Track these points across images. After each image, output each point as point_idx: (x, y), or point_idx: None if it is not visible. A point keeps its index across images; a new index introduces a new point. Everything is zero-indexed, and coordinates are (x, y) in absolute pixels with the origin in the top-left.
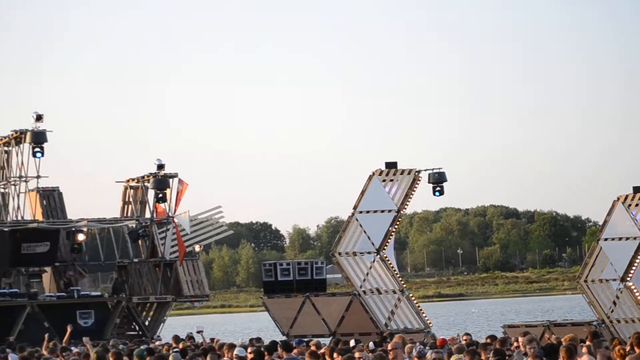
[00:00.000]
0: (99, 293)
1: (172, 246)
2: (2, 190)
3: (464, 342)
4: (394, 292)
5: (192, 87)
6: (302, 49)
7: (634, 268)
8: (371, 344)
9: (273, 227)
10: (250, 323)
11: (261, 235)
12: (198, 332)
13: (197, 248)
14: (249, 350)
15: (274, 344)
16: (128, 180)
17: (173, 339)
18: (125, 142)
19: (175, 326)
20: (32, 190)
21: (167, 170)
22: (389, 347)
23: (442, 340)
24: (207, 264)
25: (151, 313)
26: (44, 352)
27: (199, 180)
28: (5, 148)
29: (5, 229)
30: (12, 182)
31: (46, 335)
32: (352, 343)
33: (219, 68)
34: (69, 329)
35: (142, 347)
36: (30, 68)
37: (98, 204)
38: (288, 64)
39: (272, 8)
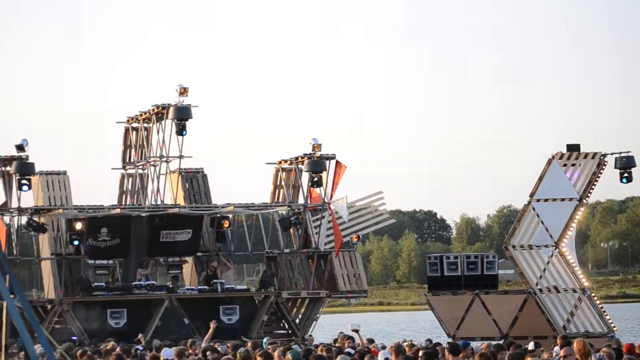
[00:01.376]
0: (244, 287)
1: (328, 236)
2: (141, 171)
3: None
4: (574, 291)
5: (342, 63)
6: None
7: None
8: (557, 349)
9: (438, 216)
10: (411, 323)
11: (425, 224)
12: (353, 330)
13: (354, 238)
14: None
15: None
16: (280, 162)
17: (340, 337)
18: (278, 119)
19: (328, 325)
20: (174, 172)
21: (324, 151)
22: (562, 352)
23: (630, 345)
24: (365, 255)
25: (302, 310)
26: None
27: (357, 162)
28: (145, 125)
29: (143, 215)
30: (152, 163)
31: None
32: (530, 346)
33: (373, 44)
34: (212, 325)
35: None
36: (174, 38)
37: (246, 188)
38: (448, 44)
39: None
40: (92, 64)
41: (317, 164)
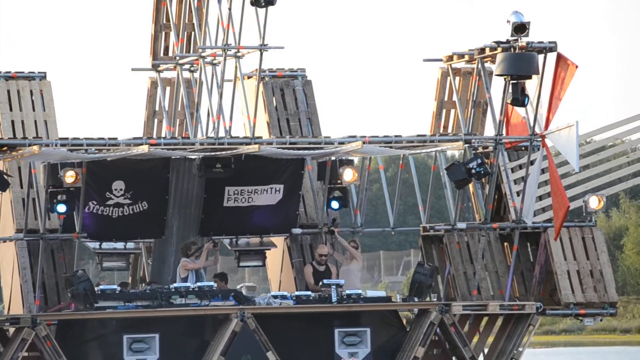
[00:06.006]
0: (382, 293)
1: (540, 198)
2: (188, 74)
3: None
4: None
5: None
6: None
7: None
8: None
9: None
10: None
11: None
12: None
13: (593, 203)
14: None
15: None
16: (450, 58)
17: None
18: None
19: None
20: (251, 77)
21: (533, 36)
22: None
23: None
24: (612, 237)
25: (490, 338)
26: None
27: (589, 57)
28: None
29: (193, 157)
30: (209, 59)
31: None
32: None
33: None
34: None
35: None
36: None
37: (384, 106)
38: None
39: None
40: None
41: (520, 60)
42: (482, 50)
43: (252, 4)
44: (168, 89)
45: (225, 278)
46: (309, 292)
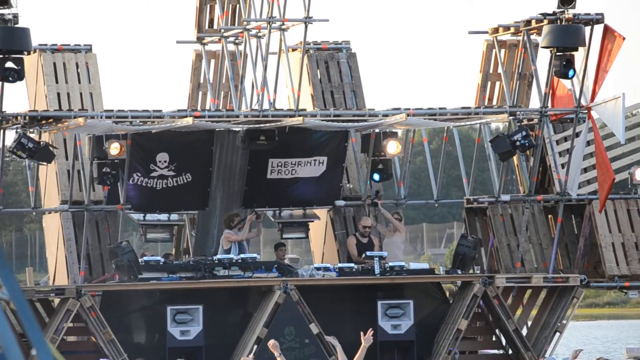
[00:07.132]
0: (424, 265)
1: (585, 170)
2: (232, 47)
3: None
4: None
5: None
6: None
7: None
8: None
9: None
10: None
11: None
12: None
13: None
14: None
15: None
16: (495, 30)
17: None
18: None
19: (581, 340)
20: (295, 49)
21: (581, 7)
22: None
23: None
24: None
25: (534, 310)
26: None
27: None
28: None
29: (237, 129)
30: (253, 31)
31: None
32: None
33: None
34: (364, 340)
35: None
36: None
37: (429, 78)
38: None
39: None
40: None
41: (567, 32)
42: (528, 22)
43: None
44: (213, 61)
45: (283, 248)
46: (352, 264)
